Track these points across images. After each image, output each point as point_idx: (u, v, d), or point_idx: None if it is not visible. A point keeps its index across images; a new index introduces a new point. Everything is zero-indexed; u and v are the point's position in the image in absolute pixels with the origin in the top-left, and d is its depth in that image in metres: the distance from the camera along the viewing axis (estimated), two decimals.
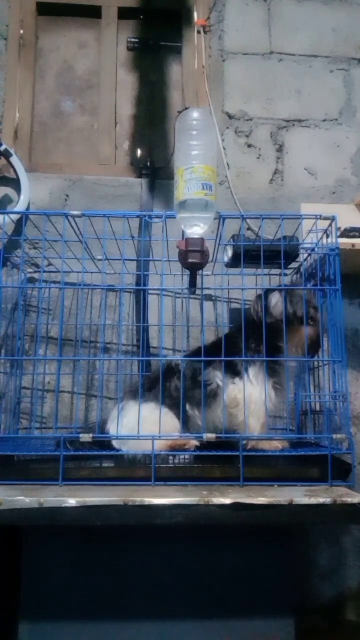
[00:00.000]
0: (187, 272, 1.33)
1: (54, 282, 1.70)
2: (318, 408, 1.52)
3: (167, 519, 1.07)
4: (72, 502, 1.07)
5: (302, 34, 2.01)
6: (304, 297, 1.34)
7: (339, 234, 1.38)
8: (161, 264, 1.43)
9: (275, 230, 1.49)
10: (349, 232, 1.57)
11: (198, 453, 1.25)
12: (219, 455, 1.22)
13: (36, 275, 1.74)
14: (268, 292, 1.40)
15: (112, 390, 1.72)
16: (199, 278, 1.34)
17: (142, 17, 2.07)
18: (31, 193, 1.80)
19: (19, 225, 1.65)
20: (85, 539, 1.19)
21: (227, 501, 1.07)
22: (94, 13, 2.05)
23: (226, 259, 1.54)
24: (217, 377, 1.34)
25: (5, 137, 1.90)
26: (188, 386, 1.32)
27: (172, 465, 1.24)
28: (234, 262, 1.48)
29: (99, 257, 1.52)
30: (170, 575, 1.19)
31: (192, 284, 1.32)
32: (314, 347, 1.38)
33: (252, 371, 1.33)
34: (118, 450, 1.27)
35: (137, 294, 1.75)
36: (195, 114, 1.32)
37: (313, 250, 1.46)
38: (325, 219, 1.34)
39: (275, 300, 1.37)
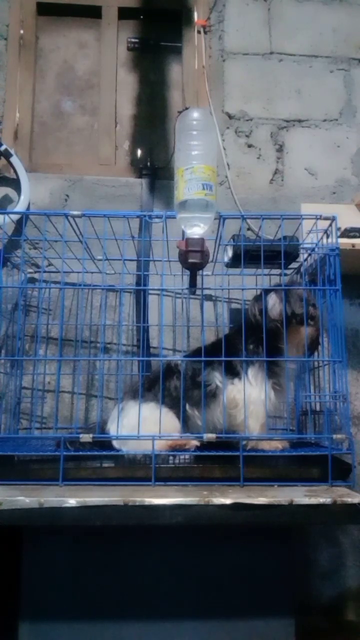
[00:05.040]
0: (187, 272, 1.33)
1: (54, 282, 1.70)
2: (318, 408, 1.52)
3: (167, 519, 1.07)
4: (72, 502, 1.07)
5: (302, 34, 2.01)
6: (304, 296, 1.33)
7: (339, 234, 1.38)
8: (161, 264, 1.44)
9: (275, 230, 1.49)
10: (349, 232, 1.57)
11: (198, 453, 1.25)
12: (219, 455, 1.22)
13: (36, 275, 1.74)
14: (265, 293, 1.39)
15: (112, 390, 1.72)
16: (199, 278, 1.34)
17: (142, 17, 2.07)
18: (31, 193, 1.80)
19: (19, 225, 1.65)
20: (85, 539, 1.19)
21: (227, 501, 1.07)
22: (94, 13, 2.05)
23: (226, 259, 1.54)
24: (216, 377, 1.34)
25: (5, 137, 1.90)
26: (187, 386, 1.32)
27: (172, 465, 1.24)
28: (234, 262, 1.48)
29: (99, 257, 1.52)
30: (171, 575, 1.19)
31: (192, 284, 1.32)
32: (314, 345, 1.38)
33: (251, 371, 1.33)
34: (118, 450, 1.27)
35: (137, 294, 1.75)
36: (195, 114, 1.32)
37: (313, 250, 1.46)
38: (325, 219, 1.34)
39: (272, 301, 1.36)
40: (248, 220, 1.81)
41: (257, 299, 1.42)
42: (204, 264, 1.28)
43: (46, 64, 2.06)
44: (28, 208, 1.80)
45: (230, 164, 1.91)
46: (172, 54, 2.06)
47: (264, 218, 1.40)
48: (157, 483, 1.17)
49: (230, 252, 1.51)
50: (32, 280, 1.76)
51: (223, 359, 1.28)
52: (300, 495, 1.11)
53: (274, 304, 1.36)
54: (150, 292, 1.72)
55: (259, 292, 1.45)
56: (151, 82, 2.06)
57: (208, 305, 1.81)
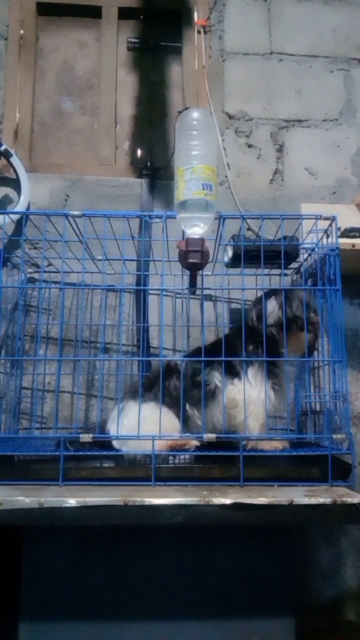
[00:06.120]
0: (187, 272, 1.33)
1: (54, 282, 1.70)
2: (318, 408, 1.52)
3: (167, 519, 1.07)
4: (72, 502, 1.07)
5: (302, 34, 2.01)
6: (304, 300, 1.33)
7: (339, 233, 1.38)
8: (161, 264, 1.43)
9: (275, 230, 1.49)
10: (349, 232, 1.57)
11: (198, 453, 1.25)
12: (219, 455, 1.22)
13: (36, 275, 1.75)
14: (265, 297, 1.39)
15: (112, 390, 1.72)
16: (199, 278, 1.34)
17: (142, 17, 2.07)
18: (31, 193, 1.80)
19: (19, 225, 1.65)
20: (85, 539, 1.19)
21: (227, 501, 1.07)
22: (94, 13, 2.05)
23: (226, 259, 1.54)
24: (216, 377, 1.34)
25: (5, 137, 1.90)
26: (187, 386, 1.32)
27: (172, 465, 1.24)
28: (234, 262, 1.48)
29: (99, 257, 1.52)
30: (170, 575, 1.19)
31: (192, 284, 1.32)
32: (311, 350, 1.38)
33: (251, 372, 1.33)
34: (118, 450, 1.27)
35: (137, 294, 1.75)
36: (195, 114, 1.32)
37: (313, 250, 1.46)
38: (325, 219, 1.34)
39: (272, 307, 1.36)
40: (248, 220, 1.81)
41: (256, 303, 1.42)
42: (204, 264, 1.28)
43: (46, 64, 2.06)
44: (28, 208, 1.80)
45: (230, 164, 1.91)
46: (172, 54, 2.06)
47: (264, 218, 1.40)
48: (157, 483, 1.17)
49: (230, 252, 1.51)
50: (32, 280, 1.76)
51: (223, 359, 1.28)
52: (300, 495, 1.11)
53: (272, 309, 1.36)
54: (150, 292, 1.72)
55: (259, 294, 1.45)
56: (151, 82, 2.06)
57: (208, 305, 1.81)
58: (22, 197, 1.77)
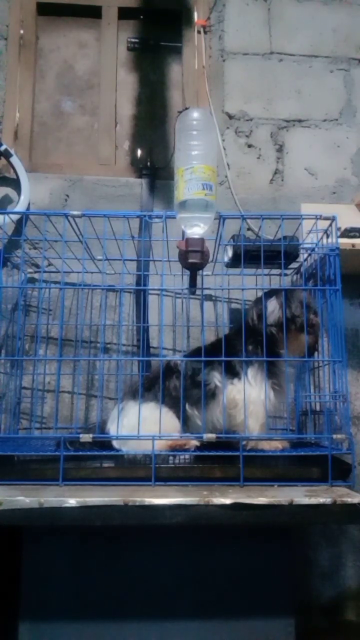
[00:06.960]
0: (187, 272, 1.33)
1: (54, 282, 1.70)
2: (318, 408, 1.52)
3: (167, 519, 1.07)
4: (72, 502, 1.07)
5: (302, 34, 2.01)
6: (304, 301, 1.33)
7: (339, 233, 1.38)
8: (161, 264, 1.44)
9: (275, 230, 1.49)
10: (349, 232, 1.57)
11: (198, 453, 1.25)
12: (219, 455, 1.22)
13: (36, 275, 1.75)
14: (266, 296, 1.39)
15: (112, 390, 1.72)
16: (199, 278, 1.34)
17: (142, 17, 2.07)
18: (31, 193, 1.80)
19: (19, 225, 1.65)
20: (85, 539, 1.19)
21: (227, 501, 1.07)
22: (94, 13, 2.05)
23: (226, 259, 1.54)
24: (216, 377, 1.34)
25: (5, 137, 1.90)
26: (187, 386, 1.32)
27: (172, 465, 1.24)
28: (234, 262, 1.48)
29: (99, 257, 1.52)
30: (170, 575, 1.19)
31: (192, 284, 1.32)
32: (311, 351, 1.38)
33: (251, 372, 1.33)
34: (118, 450, 1.27)
35: (137, 294, 1.75)
36: (195, 114, 1.32)
37: (313, 250, 1.46)
38: (325, 219, 1.34)
39: (272, 307, 1.36)
40: (248, 220, 1.81)
41: (257, 302, 1.42)
42: (204, 264, 1.28)
43: (46, 64, 2.06)
44: (28, 208, 1.80)
45: (230, 164, 1.91)
46: (172, 54, 2.06)
47: (264, 218, 1.40)
48: (157, 483, 1.17)
49: (230, 252, 1.51)
50: (32, 280, 1.76)
51: (223, 359, 1.28)
52: (300, 495, 1.11)
53: (273, 309, 1.36)
54: (150, 292, 1.72)
55: (259, 294, 1.45)
56: (151, 82, 2.06)
57: (208, 305, 1.81)
58: (22, 197, 1.77)
